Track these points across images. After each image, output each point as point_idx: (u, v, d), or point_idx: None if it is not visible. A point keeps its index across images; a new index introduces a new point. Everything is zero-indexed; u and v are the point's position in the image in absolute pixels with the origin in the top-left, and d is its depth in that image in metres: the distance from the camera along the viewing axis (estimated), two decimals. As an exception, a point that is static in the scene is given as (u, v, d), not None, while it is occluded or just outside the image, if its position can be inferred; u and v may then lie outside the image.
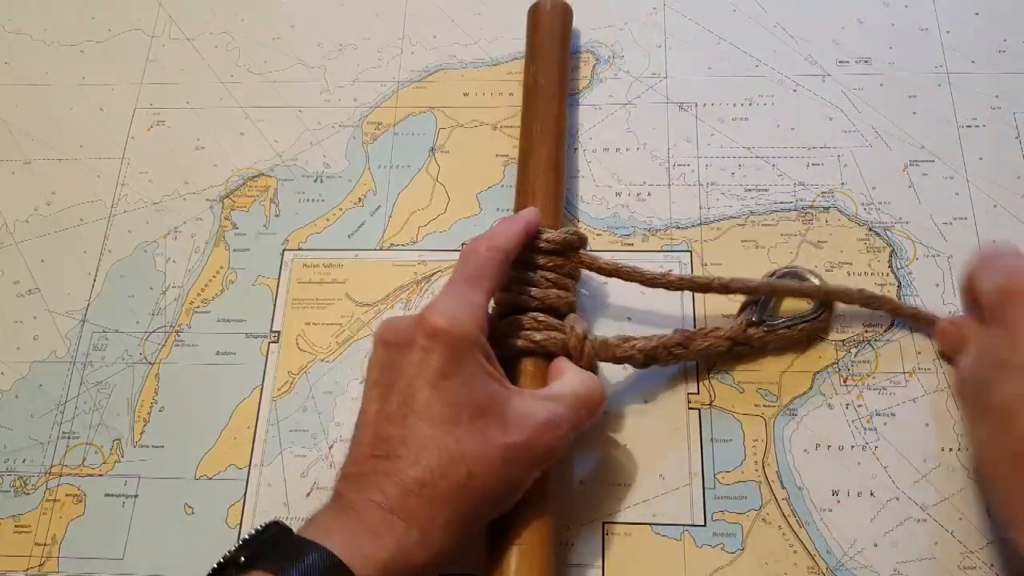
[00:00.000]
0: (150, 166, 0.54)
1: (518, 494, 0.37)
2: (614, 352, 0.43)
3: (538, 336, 0.42)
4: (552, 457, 0.37)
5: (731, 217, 0.50)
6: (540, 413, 0.37)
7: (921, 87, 0.53)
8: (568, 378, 0.40)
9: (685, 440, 0.44)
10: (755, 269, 0.48)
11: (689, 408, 0.44)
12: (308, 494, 0.44)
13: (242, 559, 0.32)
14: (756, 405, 0.44)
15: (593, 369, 0.43)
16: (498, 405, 0.36)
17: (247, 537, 0.34)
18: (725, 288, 0.44)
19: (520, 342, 0.42)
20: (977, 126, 0.51)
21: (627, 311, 0.47)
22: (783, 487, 0.43)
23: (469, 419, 0.35)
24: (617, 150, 0.52)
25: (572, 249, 0.44)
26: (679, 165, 0.51)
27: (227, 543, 0.43)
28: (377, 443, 0.35)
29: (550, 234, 0.44)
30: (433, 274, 0.49)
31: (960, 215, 0.49)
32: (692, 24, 0.56)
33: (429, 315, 0.36)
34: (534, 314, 0.43)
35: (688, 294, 0.47)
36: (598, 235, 0.49)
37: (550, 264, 0.44)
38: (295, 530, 0.33)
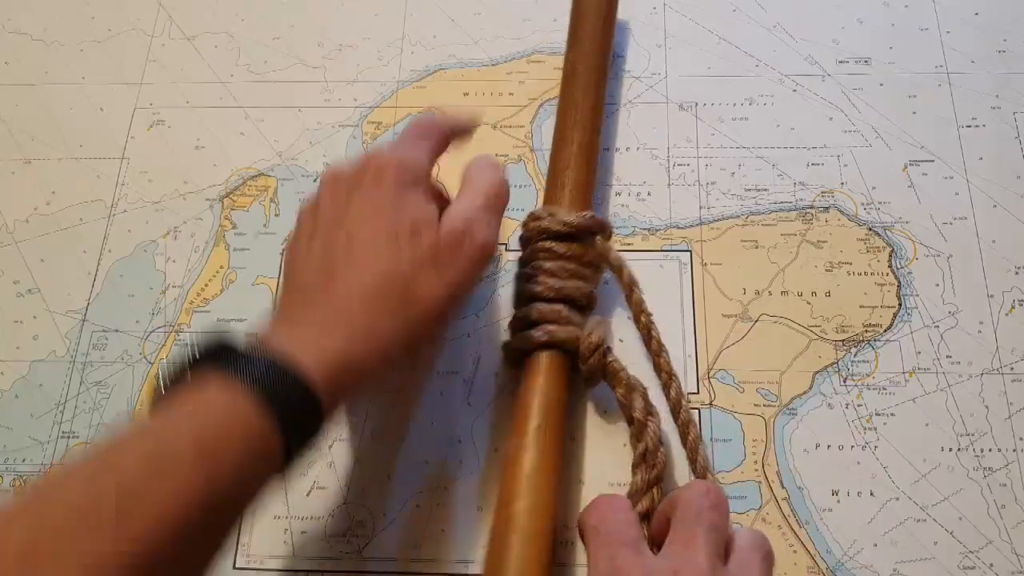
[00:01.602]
0: (150, 166, 0.54)
1: (459, 301, 0.39)
2: (616, 387, 0.42)
3: (562, 335, 0.42)
4: (487, 252, 0.39)
5: (731, 217, 0.50)
6: (462, 217, 0.38)
7: (921, 87, 0.53)
8: (474, 181, 0.41)
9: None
10: (755, 269, 0.48)
11: (689, 408, 0.44)
12: (308, 493, 0.44)
13: (190, 362, 0.32)
14: (756, 405, 0.44)
15: (592, 375, 0.42)
16: (433, 220, 0.38)
17: (189, 348, 0.33)
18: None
19: (539, 335, 0.42)
20: (977, 126, 0.51)
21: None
22: (783, 487, 0.43)
23: (409, 236, 0.37)
24: (617, 150, 0.52)
25: (589, 234, 0.44)
26: (679, 165, 0.51)
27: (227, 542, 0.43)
28: (323, 264, 0.36)
29: (567, 216, 0.44)
30: (433, 274, 0.49)
31: (960, 215, 0.49)
32: (692, 24, 0.56)
33: (376, 153, 0.39)
34: (558, 307, 0.42)
35: (688, 288, 0.47)
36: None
37: (568, 253, 0.44)
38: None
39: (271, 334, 0.34)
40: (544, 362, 0.42)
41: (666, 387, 0.43)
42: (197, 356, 0.33)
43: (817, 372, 0.45)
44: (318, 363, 0.33)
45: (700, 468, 0.41)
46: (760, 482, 0.43)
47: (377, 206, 0.37)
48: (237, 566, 0.43)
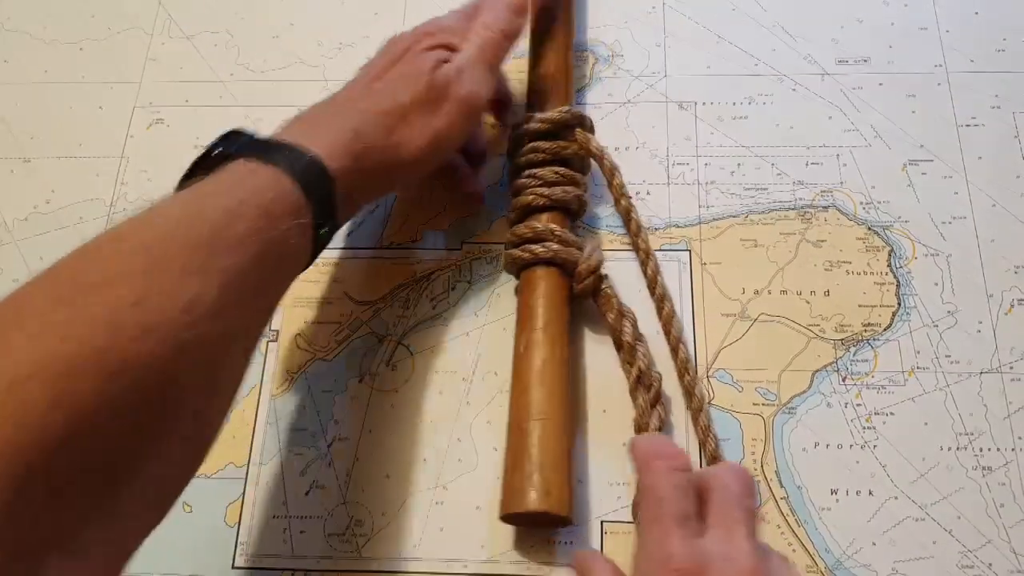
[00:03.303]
0: (149, 164, 0.54)
1: (441, 145, 0.43)
2: (607, 312, 0.45)
3: (564, 255, 0.44)
4: (469, 103, 0.43)
5: (730, 216, 0.50)
6: (455, 66, 0.43)
7: (921, 87, 0.53)
8: (479, 26, 0.45)
9: (684, 438, 0.44)
10: (755, 268, 0.48)
11: (688, 407, 0.44)
12: (307, 492, 0.44)
13: (217, 151, 0.37)
14: (755, 404, 0.45)
15: (584, 295, 0.45)
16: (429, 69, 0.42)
17: (215, 141, 0.38)
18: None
19: (542, 251, 0.44)
20: (976, 126, 0.51)
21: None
22: (782, 486, 0.43)
23: (417, 113, 0.41)
24: (616, 149, 0.52)
25: (569, 128, 0.47)
26: (678, 164, 0.51)
27: (226, 541, 0.43)
28: (344, 95, 0.42)
29: (546, 115, 0.47)
30: (432, 272, 0.49)
31: (959, 214, 0.49)
32: (691, 23, 0.56)
33: (433, 22, 0.45)
34: (554, 225, 0.45)
35: (687, 287, 0.47)
36: (598, 233, 0.49)
37: (553, 148, 0.46)
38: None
39: (285, 134, 0.39)
40: (543, 272, 0.45)
41: (644, 264, 0.47)
42: (225, 147, 0.37)
43: (816, 371, 0.45)
44: (328, 155, 0.37)
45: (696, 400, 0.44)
46: (759, 481, 0.43)
47: (408, 77, 0.42)
48: (236, 565, 0.43)
